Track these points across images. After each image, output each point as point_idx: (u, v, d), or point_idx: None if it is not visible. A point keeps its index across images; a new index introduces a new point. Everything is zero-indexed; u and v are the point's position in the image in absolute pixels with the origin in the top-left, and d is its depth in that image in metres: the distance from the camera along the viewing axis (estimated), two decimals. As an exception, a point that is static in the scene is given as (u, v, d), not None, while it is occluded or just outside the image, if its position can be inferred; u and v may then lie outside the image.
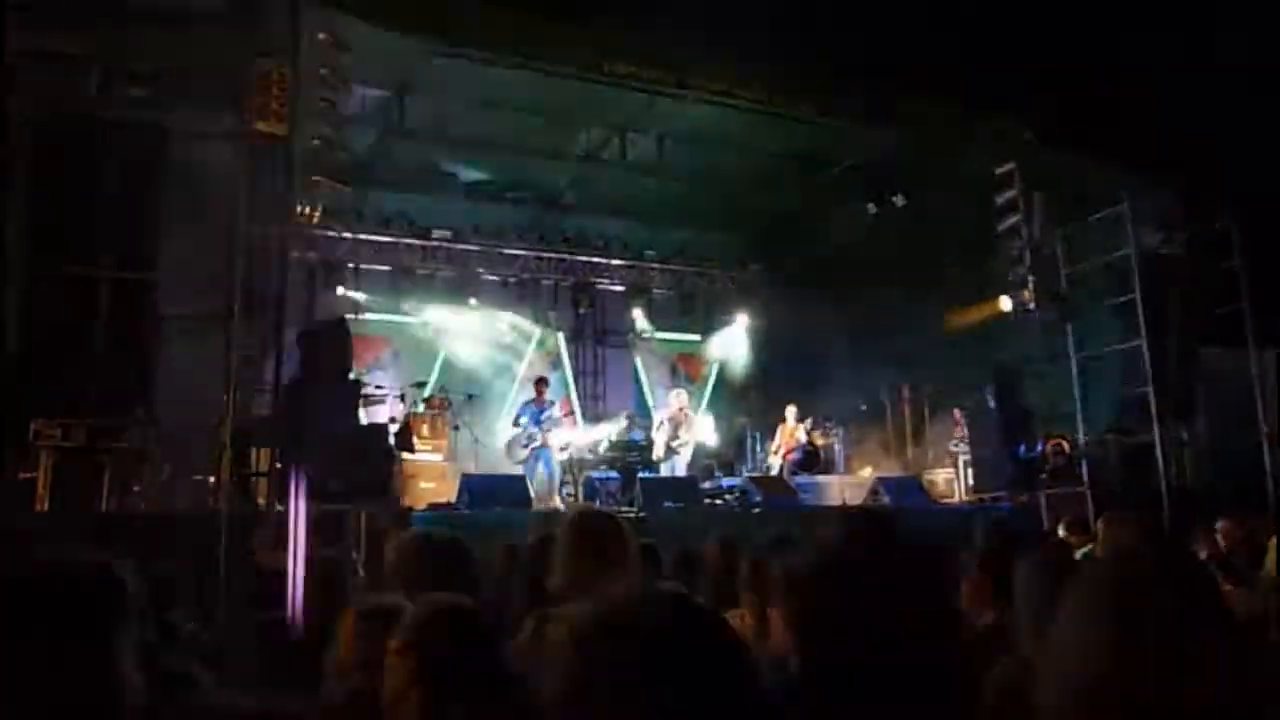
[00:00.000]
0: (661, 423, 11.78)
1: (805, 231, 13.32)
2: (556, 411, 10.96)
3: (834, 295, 12.66)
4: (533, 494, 9.31)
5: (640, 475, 9.98)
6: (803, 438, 11.75)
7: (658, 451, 11.35)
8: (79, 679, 1.25)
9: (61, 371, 6.24)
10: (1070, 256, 12.22)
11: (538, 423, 10.72)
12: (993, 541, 3.94)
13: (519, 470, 10.30)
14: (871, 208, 12.56)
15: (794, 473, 11.37)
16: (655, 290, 14.88)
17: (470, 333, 13.30)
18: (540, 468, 10.40)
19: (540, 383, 11.24)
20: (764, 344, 14.17)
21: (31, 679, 1.23)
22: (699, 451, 12.21)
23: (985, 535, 4.20)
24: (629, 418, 12.03)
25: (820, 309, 12.53)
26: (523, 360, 13.75)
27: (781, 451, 11.82)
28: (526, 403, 11.09)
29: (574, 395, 13.11)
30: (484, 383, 12.67)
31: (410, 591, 2.26)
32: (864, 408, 12.87)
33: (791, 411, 11.92)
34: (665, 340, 15.11)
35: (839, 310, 12.62)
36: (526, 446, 10.57)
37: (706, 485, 11.29)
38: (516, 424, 10.87)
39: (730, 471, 12.54)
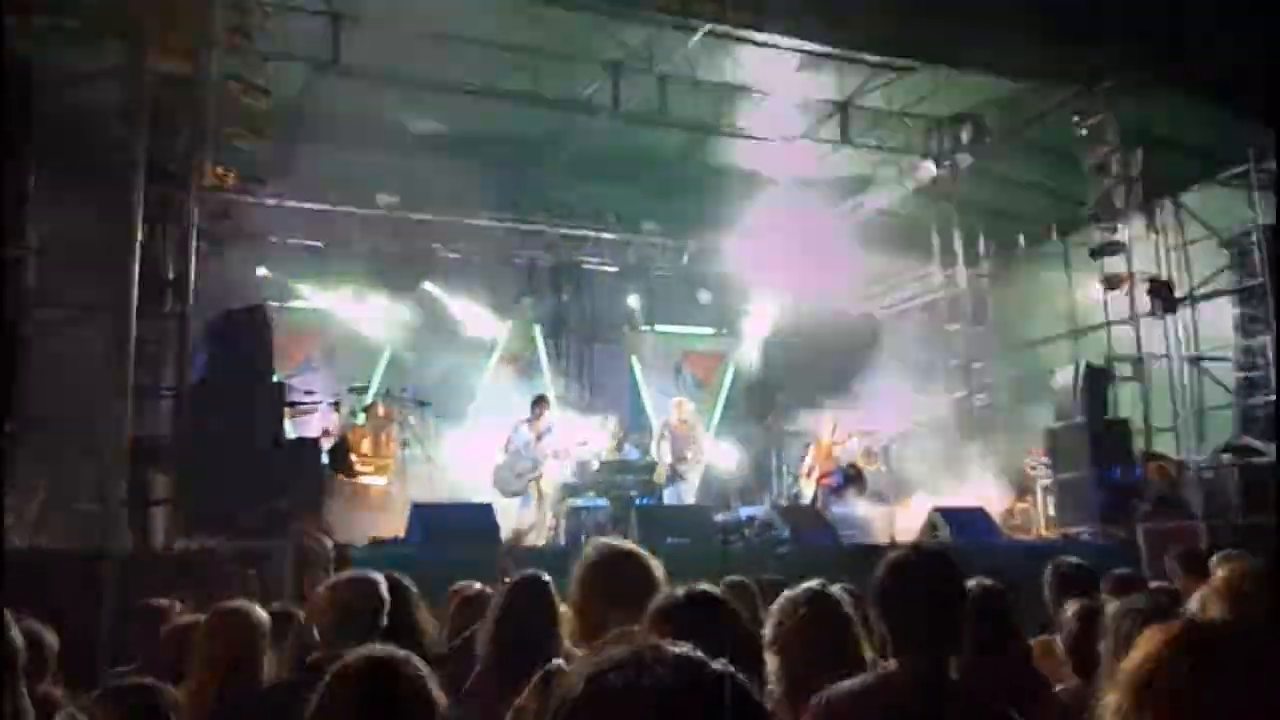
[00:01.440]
0: (662, 435, 11.83)
1: (841, 193, 13.40)
2: (557, 438, 11.04)
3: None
4: (512, 529, 9.53)
5: (637, 504, 9.97)
6: (842, 457, 11.77)
7: (661, 472, 11.43)
8: None
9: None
10: (1179, 230, 12.25)
11: (534, 452, 10.89)
12: (1070, 588, 3.97)
13: (494, 499, 10.31)
14: (931, 167, 12.58)
15: (831, 501, 11.44)
16: (656, 271, 14.94)
17: (423, 325, 13.37)
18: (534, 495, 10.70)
19: (540, 403, 11.29)
20: (794, 338, 14.26)
21: None
22: (711, 475, 12.26)
23: (1058, 580, 4.19)
24: (617, 434, 12.03)
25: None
26: (489, 360, 13.83)
27: (815, 475, 11.90)
28: (520, 423, 11.11)
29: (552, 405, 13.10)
30: (440, 388, 12.74)
31: (338, 644, 2.29)
32: (920, 419, 12.86)
33: (828, 424, 12.00)
34: (669, 334, 15.21)
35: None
36: (523, 477, 10.65)
37: (720, 517, 11.27)
38: (511, 450, 10.94)
39: (751, 500, 12.54)
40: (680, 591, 2.20)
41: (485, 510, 9.35)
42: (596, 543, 2.73)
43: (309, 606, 3.48)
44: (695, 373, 15.24)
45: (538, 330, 14.44)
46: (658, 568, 2.66)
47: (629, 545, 2.73)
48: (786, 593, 2.76)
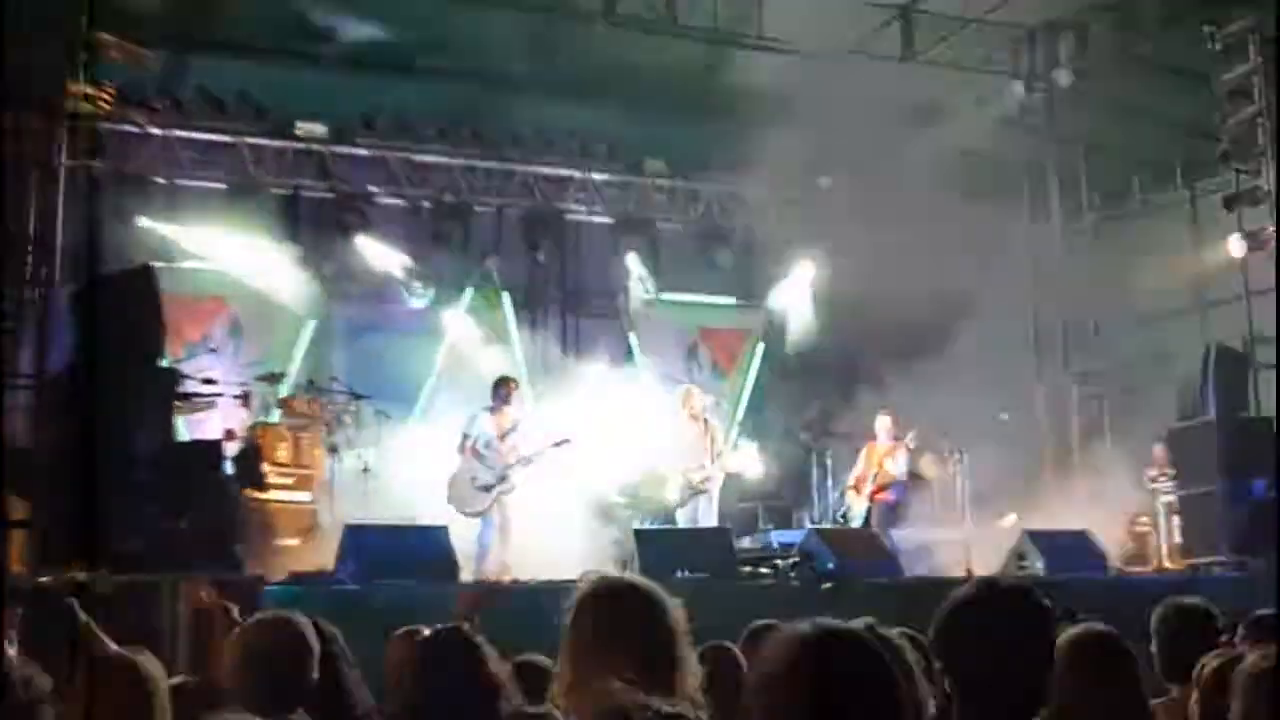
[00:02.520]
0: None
1: (903, 125, 13.31)
2: (532, 434, 10.95)
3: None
4: (471, 558, 9.61)
5: (636, 528, 10.00)
6: (902, 466, 11.79)
7: (675, 492, 11.34)
8: None
9: None
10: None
11: (496, 453, 10.76)
12: (1187, 640, 3.98)
13: (462, 521, 10.34)
14: (1019, 89, 12.53)
15: (890, 522, 11.45)
16: (662, 222, 14.91)
17: (358, 293, 13.31)
18: (501, 522, 10.61)
19: (506, 386, 11.21)
20: (841, 311, 14.21)
21: None
22: (733, 490, 12.26)
23: (1168, 629, 4.20)
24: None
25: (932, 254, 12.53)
26: (444, 339, 13.78)
27: (869, 488, 11.92)
28: (479, 414, 11.06)
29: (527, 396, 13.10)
30: (380, 376, 12.72)
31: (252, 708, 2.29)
32: (1005, 417, 12.85)
33: (885, 424, 12.00)
34: (679, 306, 15.16)
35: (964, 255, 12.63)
36: (489, 490, 10.62)
37: (747, 543, 11.22)
38: (469, 450, 10.86)
39: (785, 521, 12.52)
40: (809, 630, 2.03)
41: (438, 535, 9.35)
42: (591, 575, 2.76)
43: (214, 662, 3.48)
44: (714, 355, 15.22)
45: (507, 300, 14.39)
46: (673, 606, 2.70)
47: (634, 578, 2.76)
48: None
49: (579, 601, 2.71)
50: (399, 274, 13.57)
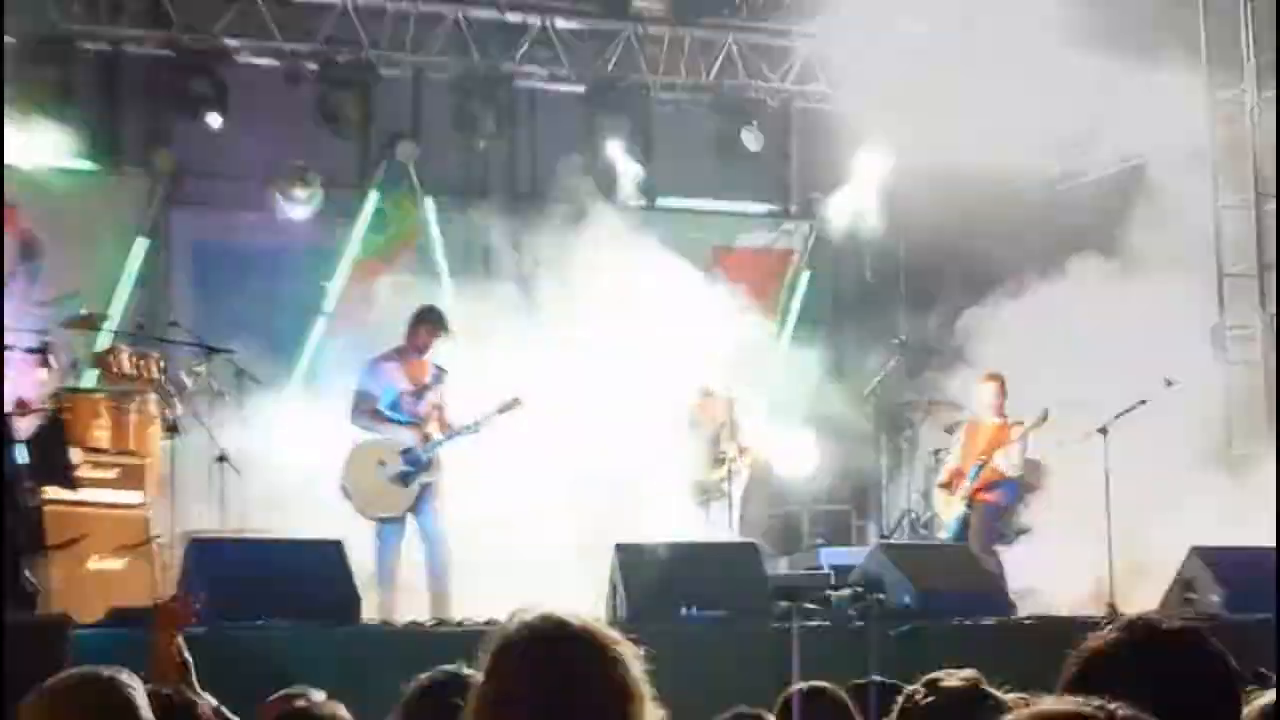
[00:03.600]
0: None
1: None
2: (451, 393, 11.12)
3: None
4: (376, 583, 9.86)
5: (619, 542, 10.07)
6: (1016, 457, 11.85)
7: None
8: None
9: None
10: None
11: (412, 419, 10.86)
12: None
13: (368, 531, 10.43)
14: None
15: (997, 535, 11.58)
16: (660, 92, 14.92)
17: (207, 196, 13.45)
18: (425, 530, 10.81)
19: (424, 321, 11.30)
20: (927, 226, 14.18)
21: None
22: (761, 489, 12.30)
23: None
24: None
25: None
26: (338, 265, 13.95)
27: (967, 486, 12.04)
28: (379, 361, 11.21)
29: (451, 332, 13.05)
30: (242, 319, 12.92)
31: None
32: (1173, 383, 12.85)
33: (990, 395, 12.13)
34: (686, 215, 15.24)
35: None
36: (406, 480, 10.77)
37: (784, 566, 11.33)
38: (370, 415, 10.99)
39: (841, 534, 12.70)
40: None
41: (329, 554, 9.39)
42: (522, 617, 2.66)
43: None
44: (735, 290, 15.24)
45: (430, 207, 14.55)
46: (632, 658, 2.64)
47: (583, 622, 2.65)
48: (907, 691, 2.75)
49: (496, 653, 2.67)
50: (270, 169, 13.63)
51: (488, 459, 11.30)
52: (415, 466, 10.71)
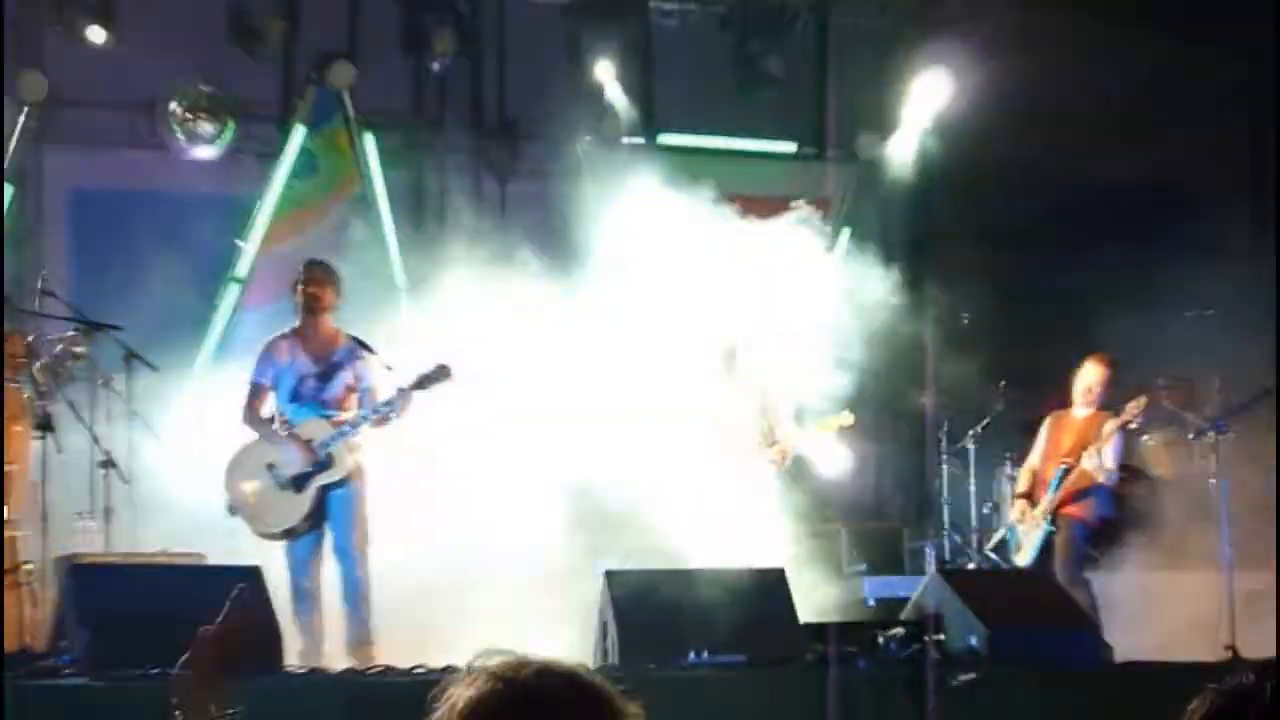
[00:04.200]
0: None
1: None
2: (377, 371, 11.26)
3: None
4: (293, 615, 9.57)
5: (609, 569, 10.04)
6: (1113, 458, 11.73)
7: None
8: None
9: None
10: None
11: (321, 407, 10.79)
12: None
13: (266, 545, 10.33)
14: None
15: (1090, 559, 11.40)
16: (667, 2, 15.18)
17: (88, 132, 13.64)
18: (334, 546, 11.10)
19: (313, 278, 11.17)
20: (997, 169, 14.43)
21: None
22: (788, 497, 12.34)
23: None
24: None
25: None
26: (251, 218, 13.94)
27: (1051, 496, 12.07)
28: (273, 341, 11.37)
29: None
30: (133, 288, 13.19)
31: None
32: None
33: (1091, 381, 12.38)
34: (692, 154, 15.37)
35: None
36: (300, 484, 10.47)
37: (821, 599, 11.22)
38: (256, 412, 10.99)
39: (890, 557, 12.92)
40: None
41: (244, 583, 9.29)
42: (487, 663, 2.60)
43: None
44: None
45: (370, 144, 14.58)
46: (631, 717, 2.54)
47: (570, 672, 2.60)
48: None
49: (455, 716, 2.58)
50: (168, 99, 13.46)
51: (437, 449, 11.28)
52: (312, 466, 10.65)
